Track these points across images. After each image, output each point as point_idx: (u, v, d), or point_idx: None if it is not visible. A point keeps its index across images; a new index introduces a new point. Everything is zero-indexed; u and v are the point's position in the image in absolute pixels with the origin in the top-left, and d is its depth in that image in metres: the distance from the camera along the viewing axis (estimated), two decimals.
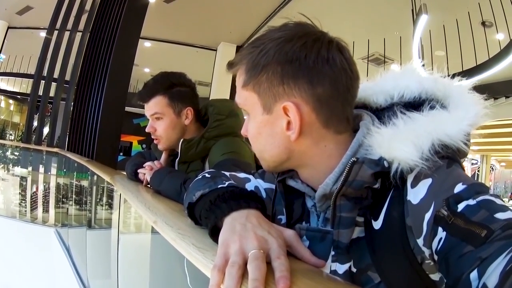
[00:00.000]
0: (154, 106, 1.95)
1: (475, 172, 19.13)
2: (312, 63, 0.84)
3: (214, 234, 0.80)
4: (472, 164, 19.32)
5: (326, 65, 0.85)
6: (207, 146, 1.94)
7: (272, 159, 0.94)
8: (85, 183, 4.79)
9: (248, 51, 0.90)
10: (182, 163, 2.01)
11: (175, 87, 1.98)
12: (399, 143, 0.79)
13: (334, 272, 0.85)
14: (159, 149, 2.05)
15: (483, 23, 8.87)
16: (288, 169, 0.98)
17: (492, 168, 20.39)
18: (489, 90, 8.05)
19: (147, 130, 1.98)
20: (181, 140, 1.96)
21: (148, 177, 1.94)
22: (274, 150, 0.92)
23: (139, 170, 2.05)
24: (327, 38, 0.88)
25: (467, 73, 7.75)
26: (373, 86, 0.99)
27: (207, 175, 1.11)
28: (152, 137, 2.01)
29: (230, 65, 0.95)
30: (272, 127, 0.90)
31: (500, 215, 0.65)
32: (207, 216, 0.85)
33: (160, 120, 1.96)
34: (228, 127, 1.97)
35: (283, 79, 0.85)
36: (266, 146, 0.93)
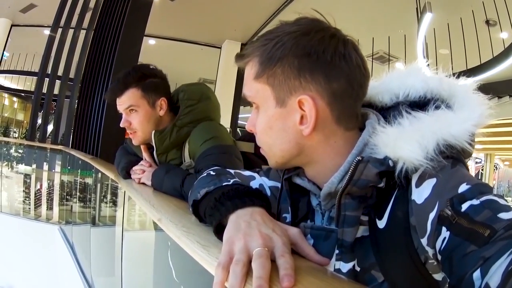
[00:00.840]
0: (128, 99, 1.92)
1: (479, 171, 19.11)
2: (330, 58, 0.85)
3: (219, 231, 0.81)
4: (476, 163, 19.29)
5: (343, 61, 0.86)
6: (181, 133, 1.91)
7: (282, 154, 0.92)
8: (89, 180, 4.80)
9: (262, 43, 0.89)
10: (160, 154, 1.98)
11: (147, 78, 1.96)
12: (404, 143, 0.79)
13: (338, 270, 0.85)
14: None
15: (487, 22, 8.84)
16: (294, 167, 0.98)
17: (496, 167, 20.35)
18: (493, 89, 8.06)
19: (121, 125, 1.96)
20: (153, 132, 1.93)
21: (144, 181, 1.94)
22: (285, 145, 0.91)
23: (132, 176, 2.04)
24: (343, 35, 0.89)
25: (471, 72, 7.75)
26: (379, 85, 1.00)
27: (212, 172, 1.11)
28: (128, 131, 1.98)
29: (240, 57, 0.94)
30: (285, 121, 0.89)
31: (503, 215, 0.65)
32: (211, 214, 0.86)
33: (135, 112, 1.93)
34: (200, 112, 1.94)
35: (300, 72, 0.85)
36: (277, 141, 0.91)
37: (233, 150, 1.82)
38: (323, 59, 0.85)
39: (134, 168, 2.02)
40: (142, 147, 2.03)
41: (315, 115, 0.85)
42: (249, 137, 1.98)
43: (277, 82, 0.87)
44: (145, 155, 2.03)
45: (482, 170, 18.58)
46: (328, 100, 0.86)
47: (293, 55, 0.85)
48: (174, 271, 1.74)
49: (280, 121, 0.89)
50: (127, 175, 2.08)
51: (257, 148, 1.80)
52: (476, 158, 18.83)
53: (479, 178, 17.68)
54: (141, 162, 2.02)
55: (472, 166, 18.65)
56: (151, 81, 1.96)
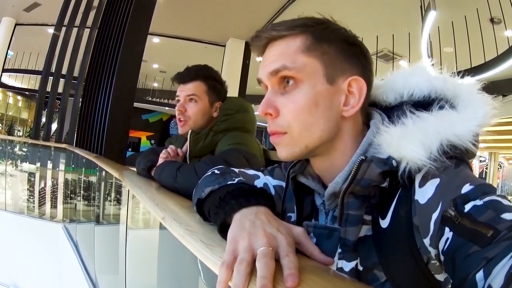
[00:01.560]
0: (194, 89, 2.00)
1: (483, 170, 19.07)
2: (365, 52, 0.94)
3: (223, 230, 0.81)
4: (480, 161, 19.26)
5: (368, 58, 0.95)
6: (215, 139, 1.97)
7: (321, 134, 0.89)
8: (93, 178, 4.81)
9: (311, 22, 0.91)
10: (193, 157, 2.02)
11: (214, 80, 2.06)
12: (407, 143, 0.80)
13: (340, 269, 0.85)
14: (173, 144, 2.09)
15: (492, 20, 8.82)
16: (301, 163, 1.00)
17: (500, 166, 20.29)
18: (498, 87, 8.04)
19: (177, 108, 2.01)
20: (190, 131, 1.99)
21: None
22: (328, 124, 0.89)
23: (160, 156, 2.04)
24: None
25: (475, 70, 7.73)
26: (383, 84, 1.00)
27: (216, 171, 1.11)
28: (179, 117, 2.02)
29: (282, 26, 0.92)
30: (332, 99, 0.89)
31: (506, 216, 0.65)
32: (216, 212, 0.86)
33: (194, 102, 2.00)
34: (236, 121, 2.01)
35: (349, 57, 0.91)
36: (320, 119, 0.89)
37: (251, 157, 1.84)
38: (361, 51, 0.93)
39: (169, 148, 2.04)
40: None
41: (364, 97, 0.90)
42: None
43: (329, 60, 0.89)
44: (185, 147, 2.06)
45: (486, 169, 18.52)
46: (367, 88, 0.90)
47: (342, 41, 0.91)
48: (203, 273, 1.75)
49: (328, 99, 0.89)
50: (146, 170, 2.08)
51: None
52: (480, 156, 18.79)
53: (483, 177, 17.67)
54: (178, 149, 2.04)
55: (476, 165, 18.64)
56: (216, 84, 2.07)
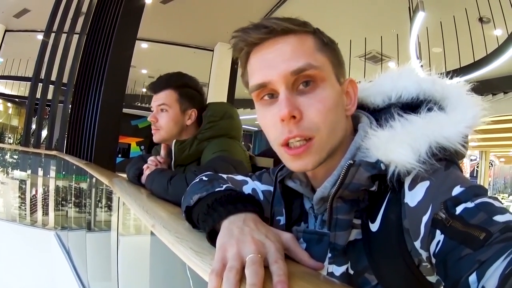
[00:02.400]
0: (163, 98, 2.00)
1: (474, 168, 19.16)
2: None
3: (212, 238, 0.80)
4: (471, 160, 19.35)
5: None
6: (200, 147, 1.97)
7: (342, 134, 0.89)
8: (84, 185, 4.79)
9: (305, 23, 0.90)
10: (178, 166, 2.03)
11: (186, 87, 2.05)
12: (396, 146, 0.79)
13: (331, 274, 0.85)
14: (159, 152, 2.08)
15: (481, 19, 8.88)
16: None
17: (492, 164, 20.41)
18: (488, 86, 8.10)
19: (149, 118, 2.03)
20: (174, 141, 1.99)
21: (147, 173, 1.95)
22: (344, 123, 0.90)
23: (145, 171, 2.03)
24: None
25: (464, 70, 7.78)
26: (371, 86, 1.00)
27: (204, 178, 1.11)
28: (152, 127, 2.04)
29: (292, 22, 0.87)
30: (342, 99, 0.91)
31: (499, 218, 0.64)
32: (204, 220, 0.85)
33: (165, 112, 2.00)
34: (221, 129, 2.01)
35: (341, 58, 0.93)
36: (341, 119, 0.89)
37: (238, 164, 1.84)
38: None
39: (149, 159, 2.05)
40: (162, 145, 2.09)
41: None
42: (270, 153, 2.02)
43: (336, 60, 0.90)
44: (163, 152, 2.07)
45: (477, 167, 18.62)
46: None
47: (333, 42, 0.93)
48: (192, 280, 1.74)
49: (341, 99, 0.90)
50: (136, 178, 2.09)
51: (276, 163, 1.80)
52: (471, 155, 18.88)
53: (475, 175, 17.75)
54: (157, 157, 2.05)
55: (467, 164, 18.72)
56: (189, 91, 2.06)
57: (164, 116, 2.00)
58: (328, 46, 0.89)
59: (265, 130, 0.89)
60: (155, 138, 2.05)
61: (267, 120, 0.87)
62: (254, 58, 0.88)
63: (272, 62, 0.84)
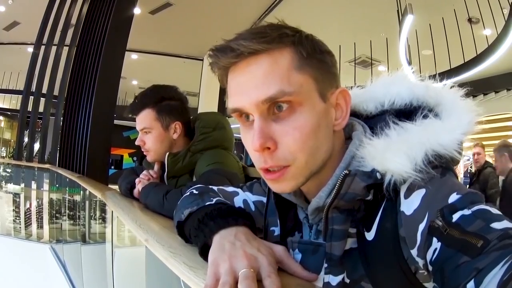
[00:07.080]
0: (143, 121, 1.98)
1: (467, 169, 19.18)
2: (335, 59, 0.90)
3: (204, 252, 0.80)
4: (465, 160, 19.36)
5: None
6: (193, 159, 1.96)
7: (324, 156, 0.85)
8: (78, 197, 4.77)
9: (289, 31, 0.82)
10: (171, 178, 2.02)
11: (164, 101, 2.00)
12: (392, 155, 0.79)
13: (327, 284, 0.84)
14: (150, 164, 2.09)
15: (470, 20, 8.93)
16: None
17: None
18: (479, 86, 8.12)
19: (136, 143, 2.01)
20: (167, 154, 1.98)
21: (140, 187, 1.94)
22: (327, 145, 0.85)
23: (137, 185, 2.03)
24: None
25: (455, 71, 7.80)
26: (363, 93, 0.99)
27: (194, 191, 1.10)
28: (142, 149, 2.02)
29: (263, 38, 0.78)
30: (327, 117, 0.84)
31: (496, 225, 0.64)
32: (196, 235, 0.85)
33: (149, 133, 1.98)
34: (214, 140, 1.99)
35: (331, 67, 0.86)
36: (324, 140, 0.84)
37: (232, 176, 1.83)
38: (335, 58, 0.89)
39: (142, 174, 2.04)
40: (156, 164, 2.07)
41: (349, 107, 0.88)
42: None
43: (320, 74, 0.83)
44: (156, 166, 2.07)
45: (471, 167, 18.65)
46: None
47: (324, 51, 0.86)
48: None
49: (325, 118, 0.83)
50: (128, 191, 2.08)
51: None
52: (464, 155, 18.89)
53: (468, 175, 17.76)
54: (150, 171, 2.05)
55: (460, 164, 18.73)
56: (168, 104, 2.02)
57: (150, 138, 1.99)
58: (310, 58, 0.81)
59: (247, 150, 0.86)
60: (149, 159, 2.05)
61: (247, 143, 0.84)
62: (230, 79, 0.85)
63: (244, 88, 0.80)
